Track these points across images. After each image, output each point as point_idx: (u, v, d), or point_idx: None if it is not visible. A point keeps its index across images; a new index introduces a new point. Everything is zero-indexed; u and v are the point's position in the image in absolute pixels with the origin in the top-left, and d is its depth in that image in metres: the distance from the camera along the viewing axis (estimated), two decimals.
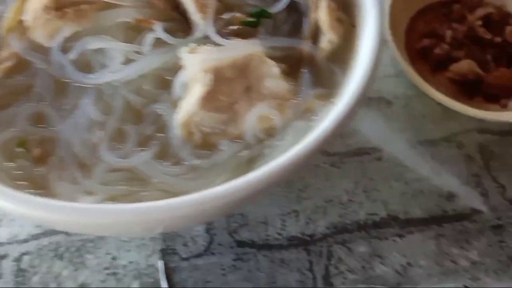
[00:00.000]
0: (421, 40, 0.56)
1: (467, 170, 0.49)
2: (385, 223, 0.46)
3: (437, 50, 0.54)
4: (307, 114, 0.34)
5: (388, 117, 0.52)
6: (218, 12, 0.38)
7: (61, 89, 0.35)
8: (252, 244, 0.45)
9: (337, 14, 0.38)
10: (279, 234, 0.46)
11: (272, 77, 0.35)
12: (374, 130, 0.51)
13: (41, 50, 0.36)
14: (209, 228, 0.46)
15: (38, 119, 0.34)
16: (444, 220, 0.46)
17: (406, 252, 0.45)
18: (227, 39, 0.36)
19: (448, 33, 0.54)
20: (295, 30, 0.38)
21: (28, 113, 0.34)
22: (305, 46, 0.37)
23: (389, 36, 0.52)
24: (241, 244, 0.45)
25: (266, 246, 0.45)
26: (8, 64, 0.36)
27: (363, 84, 0.33)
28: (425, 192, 0.48)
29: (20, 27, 0.37)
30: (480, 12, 0.56)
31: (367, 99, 0.53)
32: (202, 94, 0.33)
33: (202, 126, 0.34)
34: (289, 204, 0.47)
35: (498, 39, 0.54)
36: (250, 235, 0.46)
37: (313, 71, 0.37)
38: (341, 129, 0.33)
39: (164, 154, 0.33)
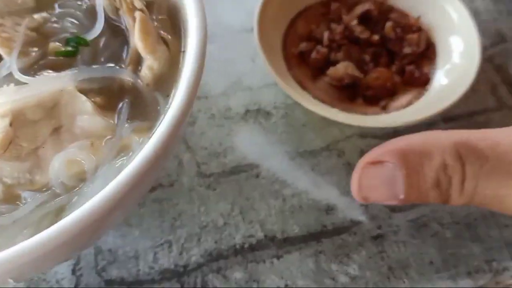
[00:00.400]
0: (300, 43, 0.53)
1: (347, 179, 0.47)
2: (262, 245, 0.44)
3: (314, 55, 0.51)
4: (124, 152, 0.31)
5: (266, 129, 0.50)
6: (32, 43, 0.35)
7: None
8: (121, 282, 0.43)
9: (158, 37, 0.35)
10: (151, 268, 0.43)
11: (86, 113, 0.32)
12: (251, 145, 0.49)
13: None
14: (75, 269, 0.43)
15: None
16: (323, 235, 0.44)
17: (284, 273, 0.43)
18: (37, 74, 0.33)
19: (325, 35, 0.52)
20: (118, 57, 0.35)
21: None
22: (125, 75, 0.34)
23: (257, 44, 0.49)
24: (109, 283, 0.43)
25: (137, 283, 0.43)
26: None
27: (178, 116, 0.30)
28: (304, 207, 0.46)
29: None
30: (358, 10, 0.53)
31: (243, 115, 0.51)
32: None
33: (4, 177, 0.30)
34: (162, 235, 0.45)
35: (375, 37, 0.52)
36: (119, 272, 0.43)
37: (134, 102, 0.33)
38: (155, 166, 0.30)
39: None
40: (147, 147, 0.30)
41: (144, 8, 0.35)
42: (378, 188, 0.32)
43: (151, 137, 0.31)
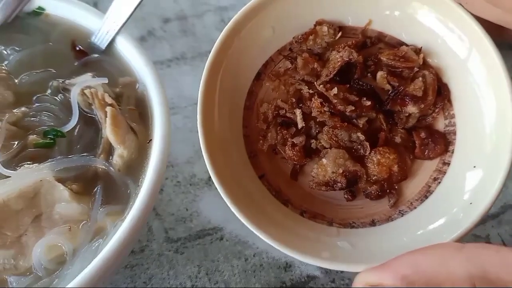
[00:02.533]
0: (264, 136, 0.40)
1: None
2: None
3: (288, 152, 0.38)
4: (99, 235, 0.36)
5: None
6: (13, 137, 0.39)
7: None
8: None
9: (127, 128, 0.39)
10: None
11: (63, 201, 0.36)
12: (215, 209, 0.53)
13: None
14: None
15: None
16: None
17: None
18: (18, 167, 0.37)
19: (298, 114, 0.38)
20: (92, 147, 0.39)
21: None
22: (99, 163, 0.38)
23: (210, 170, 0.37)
24: None
25: None
26: None
27: (147, 201, 0.35)
28: (264, 265, 0.50)
29: None
30: (334, 60, 0.39)
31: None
32: None
33: None
34: None
35: (367, 103, 0.37)
36: None
37: (108, 187, 0.38)
38: (129, 246, 0.34)
39: None
40: (121, 230, 0.34)
41: (114, 103, 0.40)
42: None
43: (124, 219, 0.35)
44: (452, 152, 0.37)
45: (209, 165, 0.36)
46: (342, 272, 0.50)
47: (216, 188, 0.54)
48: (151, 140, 0.39)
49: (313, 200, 0.38)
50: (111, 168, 0.38)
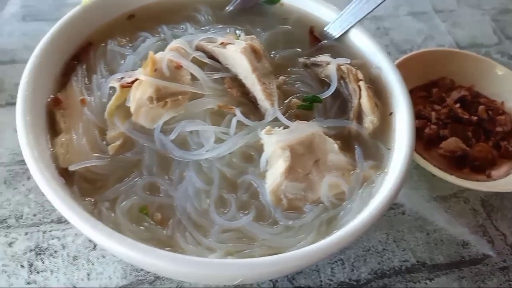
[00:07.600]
0: None
1: (474, 221, 0.58)
2: (415, 268, 0.54)
3: (427, 130, 0.63)
4: (366, 182, 0.43)
5: None
6: (279, 98, 0.47)
7: (165, 163, 0.42)
8: None
9: (374, 101, 0.47)
10: (330, 280, 0.53)
11: (333, 152, 0.44)
12: None
13: (143, 131, 0.43)
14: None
15: (151, 188, 0.41)
16: (463, 264, 0.55)
17: None
18: (291, 121, 0.45)
19: (433, 115, 0.64)
20: (340, 112, 0.47)
21: (143, 183, 0.41)
22: (353, 126, 0.46)
23: None
24: None
25: None
26: (117, 142, 0.43)
27: (407, 160, 0.42)
28: (444, 241, 0.56)
29: (119, 111, 0.44)
30: (455, 94, 0.67)
31: None
32: (285, 167, 0.41)
33: (287, 193, 0.41)
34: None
35: (474, 118, 0.64)
36: (306, 281, 0.53)
37: (361, 146, 0.45)
38: (397, 195, 0.41)
39: (261, 216, 0.41)
40: (394, 180, 0.41)
41: (363, 79, 0.48)
42: None
43: (387, 172, 0.42)
44: None
45: None
46: None
47: None
48: (391, 113, 0.47)
49: (438, 165, 0.60)
50: (363, 131, 0.46)
